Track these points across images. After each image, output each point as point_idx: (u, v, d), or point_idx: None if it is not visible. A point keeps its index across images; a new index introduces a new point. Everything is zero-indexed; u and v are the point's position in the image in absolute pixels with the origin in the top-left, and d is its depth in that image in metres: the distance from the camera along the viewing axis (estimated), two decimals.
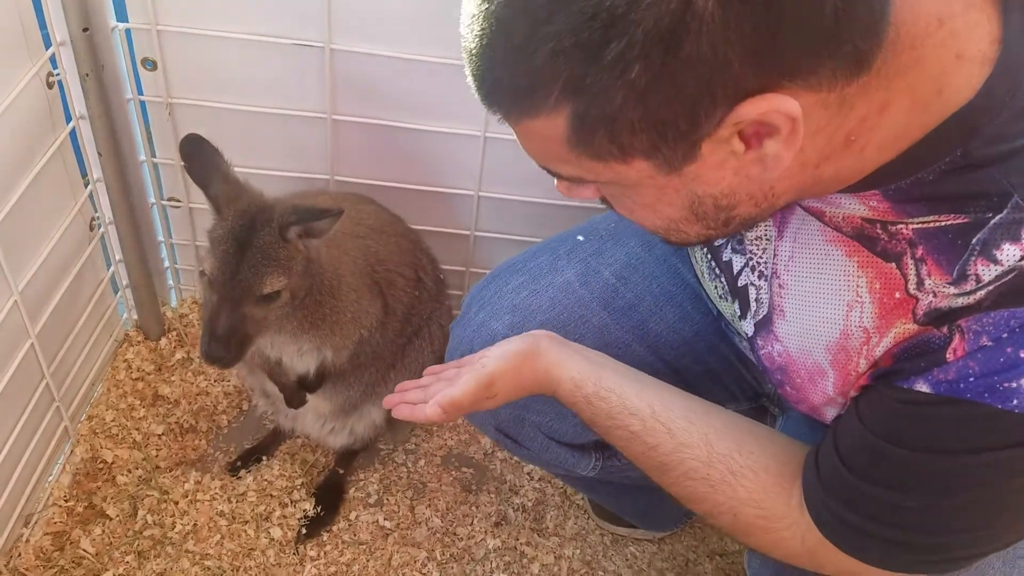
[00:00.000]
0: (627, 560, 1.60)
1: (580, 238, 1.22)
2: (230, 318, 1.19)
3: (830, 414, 0.89)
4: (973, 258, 0.69)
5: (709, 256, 1.05)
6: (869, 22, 0.63)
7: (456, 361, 1.07)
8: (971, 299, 0.70)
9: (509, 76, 0.64)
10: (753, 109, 0.62)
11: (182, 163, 1.33)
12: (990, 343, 0.69)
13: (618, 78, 0.60)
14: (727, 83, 0.60)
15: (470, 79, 0.68)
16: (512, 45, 0.62)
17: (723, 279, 1.00)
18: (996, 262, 0.68)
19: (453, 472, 1.70)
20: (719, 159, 0.67)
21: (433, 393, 0.98)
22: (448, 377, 1.01)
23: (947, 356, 0.72)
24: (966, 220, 0.70)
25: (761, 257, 0.92)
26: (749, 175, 0.69)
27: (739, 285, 0.97)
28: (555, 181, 0.78)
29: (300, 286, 1.24)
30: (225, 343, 1.20)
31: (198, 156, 1.22)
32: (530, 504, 1.66)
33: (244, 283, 1.18)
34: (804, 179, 0.73)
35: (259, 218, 1.18)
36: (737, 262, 0.97)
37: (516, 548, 1.59)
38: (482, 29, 0.64)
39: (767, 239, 0.90)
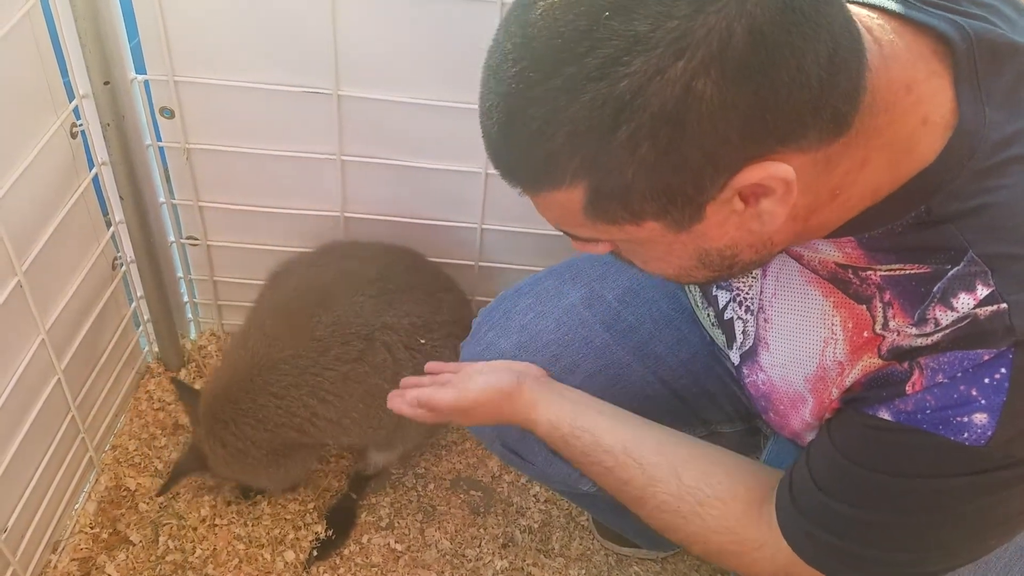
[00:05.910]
0: None
1: (584, 264, 1.28)
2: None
3: (809, 439, 0.94)
4: (933, 304, 0.75)
5: (698, 288, 1.11)
6: (848, 88, 0.68)
7: (455, 364, 1.16)
8: (929, 340, 0.75)
9: (529, 157, 0.70)
10: (752, 176, 0.67)
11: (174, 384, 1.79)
12: (945, 380, 0.74)
13: (630, 155, 0.65)
14: (728, 153, 0.66)
15: (490, 158, 0.74)
16: (531, 130, 0.67)
17: (711, 310, 1.07)
18: (953, 309, 0.74)
19: (461, 495, 1.75)
20: (722, 218, 0.72)
21: (417, 389, 1.12)
22: (441, 381, 1.12)
23: (907, 389, 0.77)
24: (928, 270, 0.76)
25: (748, 293, 0.98)
26: (750, 229, 0.74)
27: (725, 318, 1.03)
28: (571, 240, 0.83)
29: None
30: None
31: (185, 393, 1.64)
32: (536, 526, 1.71)
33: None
34: (797, 229, 0.79)
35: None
36: (723, 298, 1.03)
37: (523, 569, 1.64)
38: (500, 115, 0.69)
39: (753, 276, 0.96)
